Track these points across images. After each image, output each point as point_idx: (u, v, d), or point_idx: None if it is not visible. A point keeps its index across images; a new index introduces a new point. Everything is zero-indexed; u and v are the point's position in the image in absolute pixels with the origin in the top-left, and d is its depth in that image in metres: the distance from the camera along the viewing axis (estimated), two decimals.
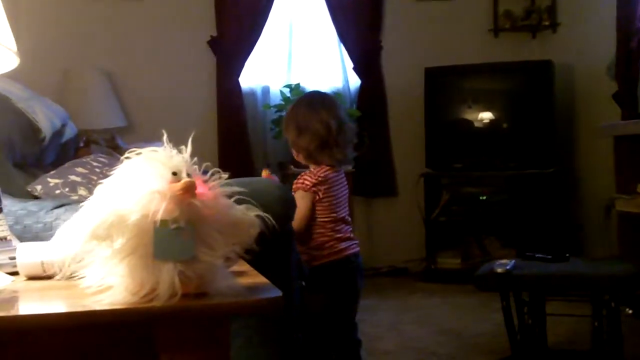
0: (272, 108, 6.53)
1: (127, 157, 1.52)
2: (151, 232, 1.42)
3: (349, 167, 3.73)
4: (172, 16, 6.66)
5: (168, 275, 1.41)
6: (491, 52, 6.87)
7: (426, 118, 6.61)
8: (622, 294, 3.73)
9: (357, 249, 3.56)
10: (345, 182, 3.64)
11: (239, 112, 6.68)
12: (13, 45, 2.16)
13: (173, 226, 1.43)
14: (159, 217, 1.42)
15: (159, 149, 1.52)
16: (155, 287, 1.42)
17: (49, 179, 3.33)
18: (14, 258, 1.90)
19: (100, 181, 1.52)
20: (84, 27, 6.45)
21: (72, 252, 1.47)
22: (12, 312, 1.46)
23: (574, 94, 6.77)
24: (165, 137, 1.56)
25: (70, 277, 1.54)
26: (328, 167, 3.50)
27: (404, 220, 6.82)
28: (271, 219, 1.62)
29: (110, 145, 5.35)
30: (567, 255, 3.84)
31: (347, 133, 3.56)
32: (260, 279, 1.69)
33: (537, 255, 3.86)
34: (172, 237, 1.43)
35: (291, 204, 2.77)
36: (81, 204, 1.50)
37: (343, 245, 3.48)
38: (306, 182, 3.46)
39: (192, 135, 1.55)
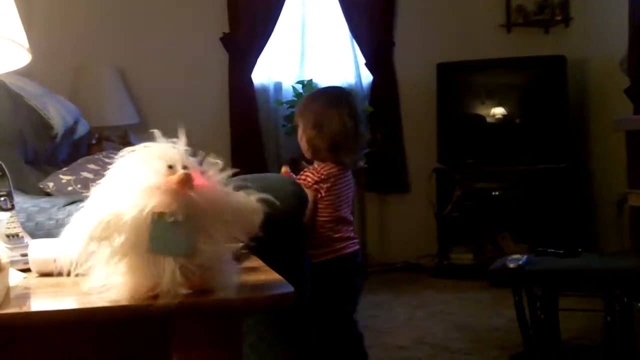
0: (284, 104, 6.53)
1: (122, 156, 1.50)
2: (149, 227, 1.42)
3: (361, 164, 3.71)
4: (185, 13, 6.67)
5: (169, 270, 1.40)
6: (504, 47, 6.85)
7: (438, 114, 6.60)
8: (635, 289, 3.71)
9: (357, 247, 3.52)
10: (351, 182, 3.59)
11: (251, 109, 6.68)
12: (25, 42, 2.16)
13: (170, 219, 1.41)
14: (155, 211, 1.40)
15: (153, 144, 1.50)
16: (158, 283, 1.41)
17: (61, 176, 3.33)
18: (25, 255, 1.90)
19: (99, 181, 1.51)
20: (96, 24, 6.46)
21: (74, 256, 1.47)
22: (24, 309, 1.46)
23: (586, 89, 6.75)
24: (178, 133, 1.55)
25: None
26: (333, 164, 3.45)
27: (417, 216, 6.81)
28: (275, 200, 1.60)
29: (123, 142, 5.35)
30: (580, 250, 3.83)
31: (361, 140, 3.53)
32: (273, 275, 1.68)
33: (549, 251, 3.85)
34: (169, 231, 1.41)
35: (305, 200, 2.76)
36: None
37: (341, 244, 3.44)
38: (308, 178, 3.42)
39: (204, 132, 1.55)
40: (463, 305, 5.34)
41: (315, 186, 3.39)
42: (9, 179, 2.12)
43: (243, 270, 1.60)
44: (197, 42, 6.71)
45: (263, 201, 1.55)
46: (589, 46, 6.67)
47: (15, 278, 1.77)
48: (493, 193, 6.37)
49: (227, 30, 6.70)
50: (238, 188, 1.55)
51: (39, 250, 1.85)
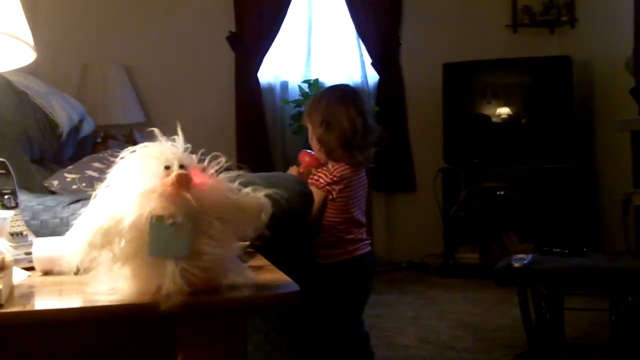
0: (290, 103, 6.54)
1: (122, 157, 1.50)
2: (148, 232, 1.41)
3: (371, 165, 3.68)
4: (191, 12, 6.67)
5: (170, 272, 1.40)
6: (510, 48, 6.86)
7: (444, 113, 6.60)
8: None
9: (369, 248, 3.51)
10: (365, 182, 3.56)
11: (257, 108, 6.69)
12: (30, 39, 2.16)
13: (169, 222, 1.40)
14: (153, 214, 1.40)
15: (151, 144, 1.50)
16: (161, 286, 1.40)
17: (66, 174, 3.33)
18: (30, 253, 1.90)
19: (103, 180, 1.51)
20: (102, 22, 6.47)
21: (76, 262, 1.47)
22: (28, 307, 1.46)
23: (592, 90, 6.74)
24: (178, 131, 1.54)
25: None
26: (347, 166, 3.41)
27: (423, 215, 6.82)
28: (283, 194, 1.58)
29: (128, 141, 5.36)
30: (585, 249, 3.83)
31: (372, 134, 3.48)
32: (279, 274, 1.68)
33: (554, 250, 3.85)
34: (168, 233, 1.40)
35: (311, 199, 2.74)
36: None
37: (353, 246, 3.42)
38: (321, 179, 3.37)
39: (209, 131, 1.54)
40: (468, 305, 5.33)
41: (327, 187, 3.36)
42: (14, 177, 2.12)
43: (248, 269, 1.58)
44: (204, 41, 6.71)
45: (269, 199, 1.54)
46: (595, 47, 6.66)
47: (19, 276, 1.78)
48: (499, 193, 6.37)
49: (233, 29, 6.70)
50: (245, 185, 1.54)
51: (43, 249, 1.85)
